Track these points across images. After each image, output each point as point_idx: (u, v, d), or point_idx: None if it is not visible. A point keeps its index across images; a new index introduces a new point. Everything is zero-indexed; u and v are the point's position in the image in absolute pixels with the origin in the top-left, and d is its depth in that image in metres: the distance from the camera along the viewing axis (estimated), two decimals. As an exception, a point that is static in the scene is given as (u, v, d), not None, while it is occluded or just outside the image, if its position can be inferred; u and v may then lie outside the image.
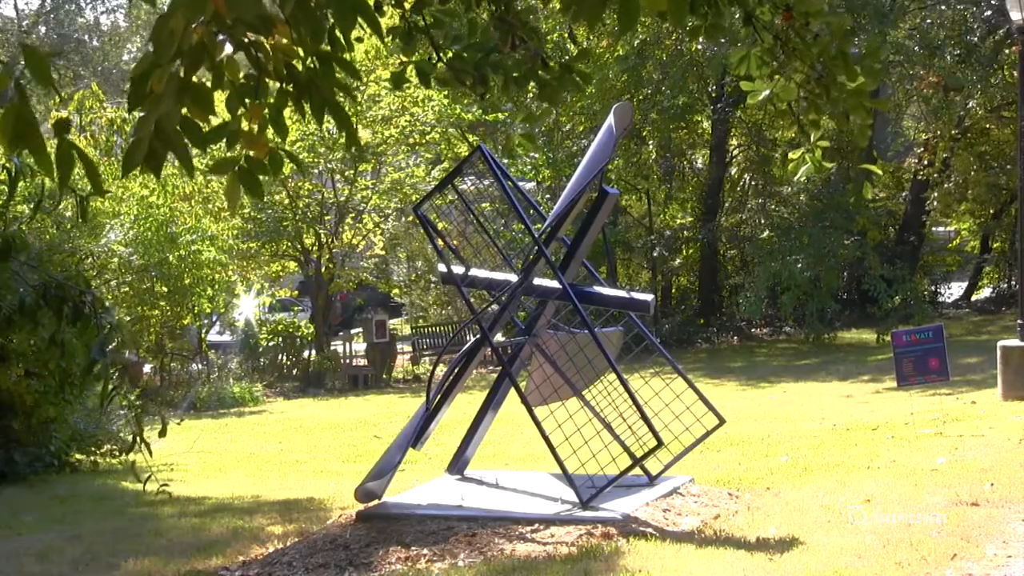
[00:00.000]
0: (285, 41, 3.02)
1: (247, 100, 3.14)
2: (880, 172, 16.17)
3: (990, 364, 14.49)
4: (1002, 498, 7.46)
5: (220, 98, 3.11)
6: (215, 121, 3.13)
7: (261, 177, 3.21)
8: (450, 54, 4.30)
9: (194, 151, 3.11)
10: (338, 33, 3.19)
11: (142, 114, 2.93)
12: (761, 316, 26.39)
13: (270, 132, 3.25)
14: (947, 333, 11.22)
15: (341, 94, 3.23)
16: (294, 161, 3.38)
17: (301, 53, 3.08)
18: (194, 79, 2.93)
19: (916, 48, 24.09)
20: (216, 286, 21.38)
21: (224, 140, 3.17)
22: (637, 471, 7.81)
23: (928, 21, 25.41)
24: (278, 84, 3.15)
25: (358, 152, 21.72)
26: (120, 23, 45.74)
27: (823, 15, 4.44)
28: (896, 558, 6.11)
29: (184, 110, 2.97)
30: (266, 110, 3.18)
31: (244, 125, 3.17)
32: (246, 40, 2.99)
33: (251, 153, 3.17)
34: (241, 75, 3.10)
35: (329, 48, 3.16)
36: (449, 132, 25.73)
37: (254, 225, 24.00)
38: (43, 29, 42.41)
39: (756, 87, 4.75)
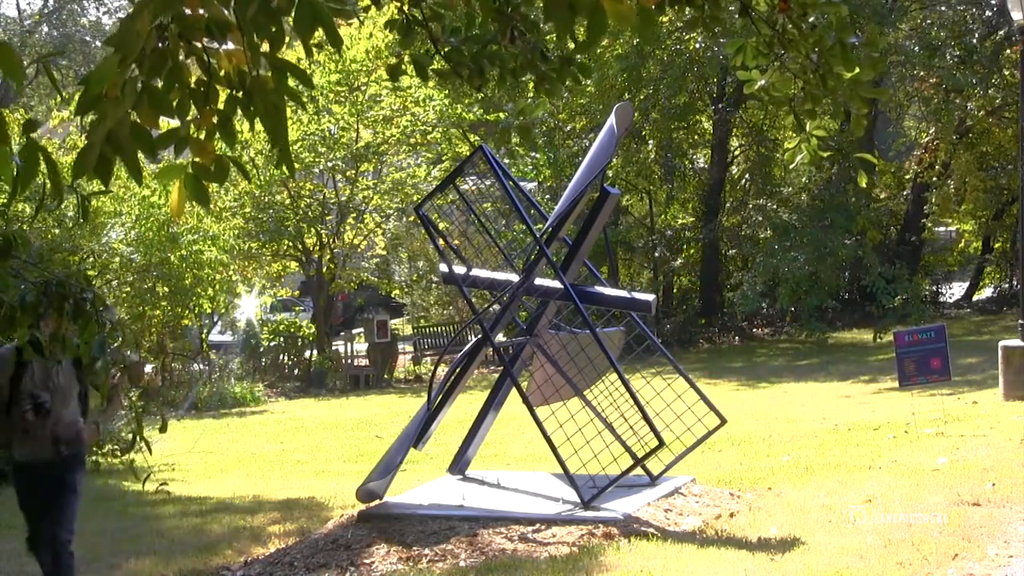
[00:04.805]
0: (238, 47, 3.01)
1: (196, 106, 3.13)
2: (876, 161, 16.14)
3: (991, 364, 14.49)
4: (1003, 498, 7.46)
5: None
6: (163, 126, 3.13)
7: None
8: (447, 48, 4.29)
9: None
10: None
11: (93, 118, 2.92)
12: (759, 311, 26.34)
13: (217, 139, 3.24)
14: (948, 333, 11.22)
15: (291, 104, 3.21)
16: (240, 169, 3.38)
17: (249, 59, 3.05)
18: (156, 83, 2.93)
19: (916, 49, 24.08)
20: (217, 286, 21.37)
21: (172, 147, 3.17)
22: (639, 471, 7.81)
23: (928, 22, 25.40)
24: (228, 90, 3.14)
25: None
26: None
27: (820, 4, 4.41)
28: (898, 558, 6.11)
29: (133, 116, 2.96)
30: (215, 117, 3.17)
31: (192, 132, 3.16)
32: (199, 45, 2.98)
33: (198, 160, 3.16)
34: (192, 81, 3.09)
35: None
36: (450, 132, 25.73)
37: (255, 225, 23.98)
38: (45, 29, 42.41)
39: (753, 76, 4.73)
